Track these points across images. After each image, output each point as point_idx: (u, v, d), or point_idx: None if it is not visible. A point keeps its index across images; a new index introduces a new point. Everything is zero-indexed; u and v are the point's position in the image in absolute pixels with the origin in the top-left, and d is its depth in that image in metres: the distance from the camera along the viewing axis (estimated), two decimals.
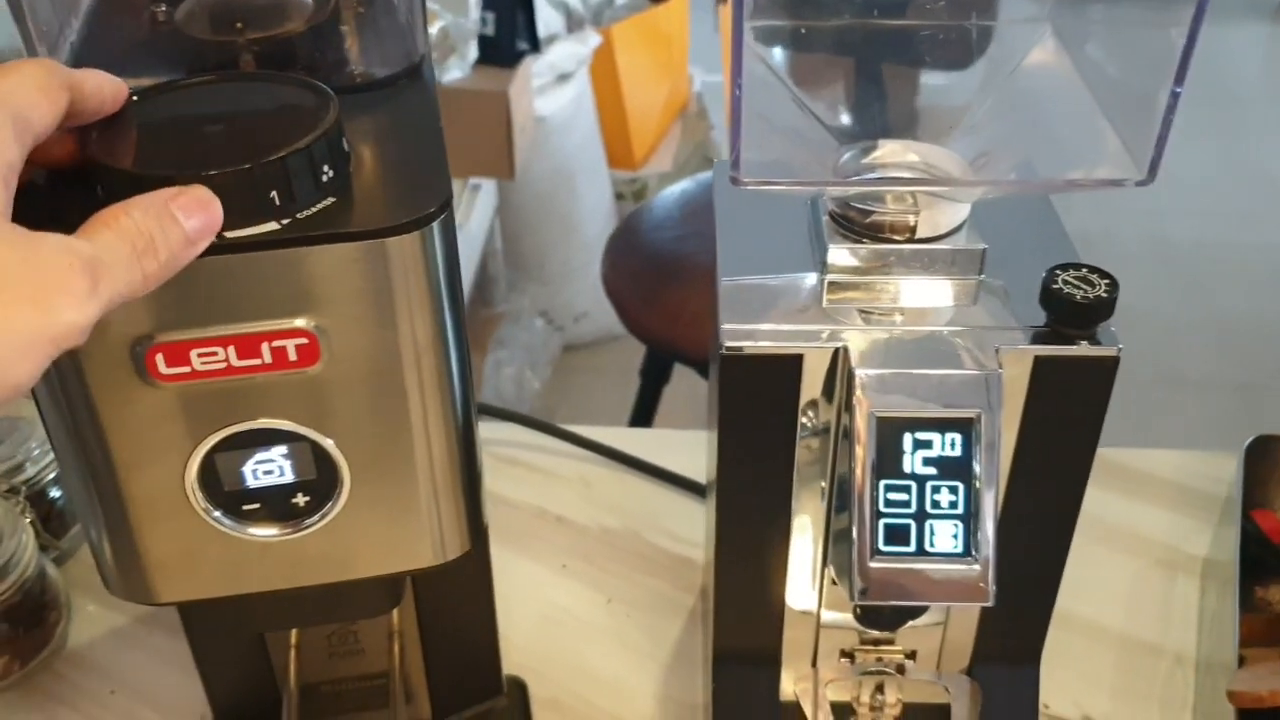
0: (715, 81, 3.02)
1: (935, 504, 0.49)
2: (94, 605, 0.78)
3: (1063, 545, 0.56)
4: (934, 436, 0.49)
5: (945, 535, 0.49)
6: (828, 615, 0.59)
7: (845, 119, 0.57)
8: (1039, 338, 0.50)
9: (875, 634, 0.60)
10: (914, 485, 0.49)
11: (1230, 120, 3.43)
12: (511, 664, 0.75)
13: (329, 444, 0.46)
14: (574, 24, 2.39)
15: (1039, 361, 0.50)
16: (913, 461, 0.49)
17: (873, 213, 0.52)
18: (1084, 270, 0.50)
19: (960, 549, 0.49)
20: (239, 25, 0.51)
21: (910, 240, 0.52)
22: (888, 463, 0.49)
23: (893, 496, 0.49)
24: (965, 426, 0.48)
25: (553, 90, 2.28)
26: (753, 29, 0.55)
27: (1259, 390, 2.36)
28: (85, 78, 0.42)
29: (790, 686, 0.62)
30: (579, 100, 2.34)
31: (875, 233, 0.53)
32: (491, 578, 0.64)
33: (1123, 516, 0.85)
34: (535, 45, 2.12)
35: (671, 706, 0.73)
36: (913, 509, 0.49)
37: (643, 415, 1.65)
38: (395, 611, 0.64)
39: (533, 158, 2.21)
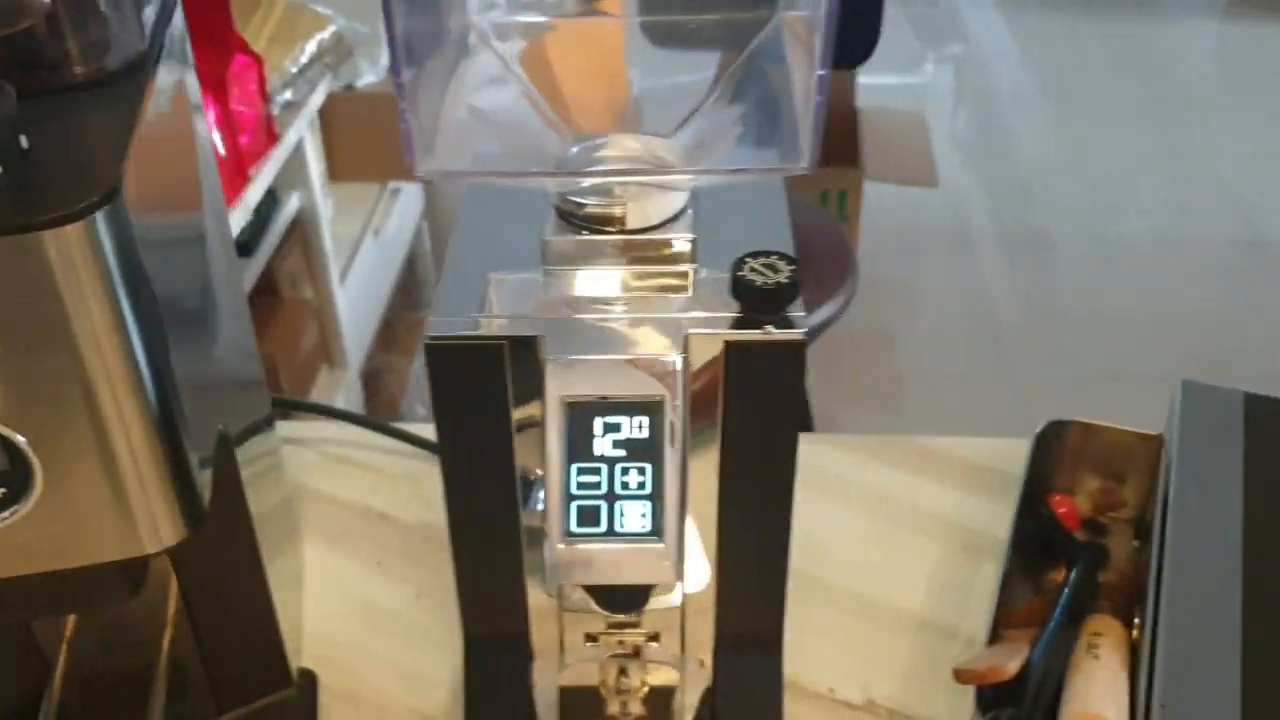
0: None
1: (625, 485, 0.50)
2: None
3: (782, 528, 0.58)
4: (622, 420, 0.50)
5: (634, 516, 0.50)
6: (568, 599, 0.60)
7: (577, 113, 0.58)
8: (731, 323, 0.51)
9: (620, 618, 0.61)
10: (604, 468, 0.50)
11: (1178, 118, 3.46)
12: (312, 657, 0.76)
13: (19, 440, 0.47)
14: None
15: (729, 346, 0.51)
16: (603, 444, 0.50)
17: (585, 205, 0.54)
18: (772, 257, 0.52)
19: (649, 529, 0.50)
20: None
21: (621, 231, 0.54)
22: (578, 446, 0.50)
23: (584, 479, 0.50)
24: (651, 409, 0.50)
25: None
26: (490, 24, 0.57)
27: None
28: None
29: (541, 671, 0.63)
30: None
31: (591, 224, 0.54)
32: (262, 569, 0.65)
33: (932, 503, 0.87)
34: None
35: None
36: (603, 490, 0.50)
37: None
38: (172, 604, 0.66)
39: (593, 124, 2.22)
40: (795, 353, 0.51)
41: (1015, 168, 3.27)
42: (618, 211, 0.53)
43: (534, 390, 0.52)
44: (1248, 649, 0.64)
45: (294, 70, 1.60)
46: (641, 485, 0.50)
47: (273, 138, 1.51)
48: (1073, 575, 0.71)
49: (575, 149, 0.56)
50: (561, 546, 0.50)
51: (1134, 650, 0.68)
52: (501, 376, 0.52)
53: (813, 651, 0.76)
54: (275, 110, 1.52)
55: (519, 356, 0.51)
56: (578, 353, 0.50)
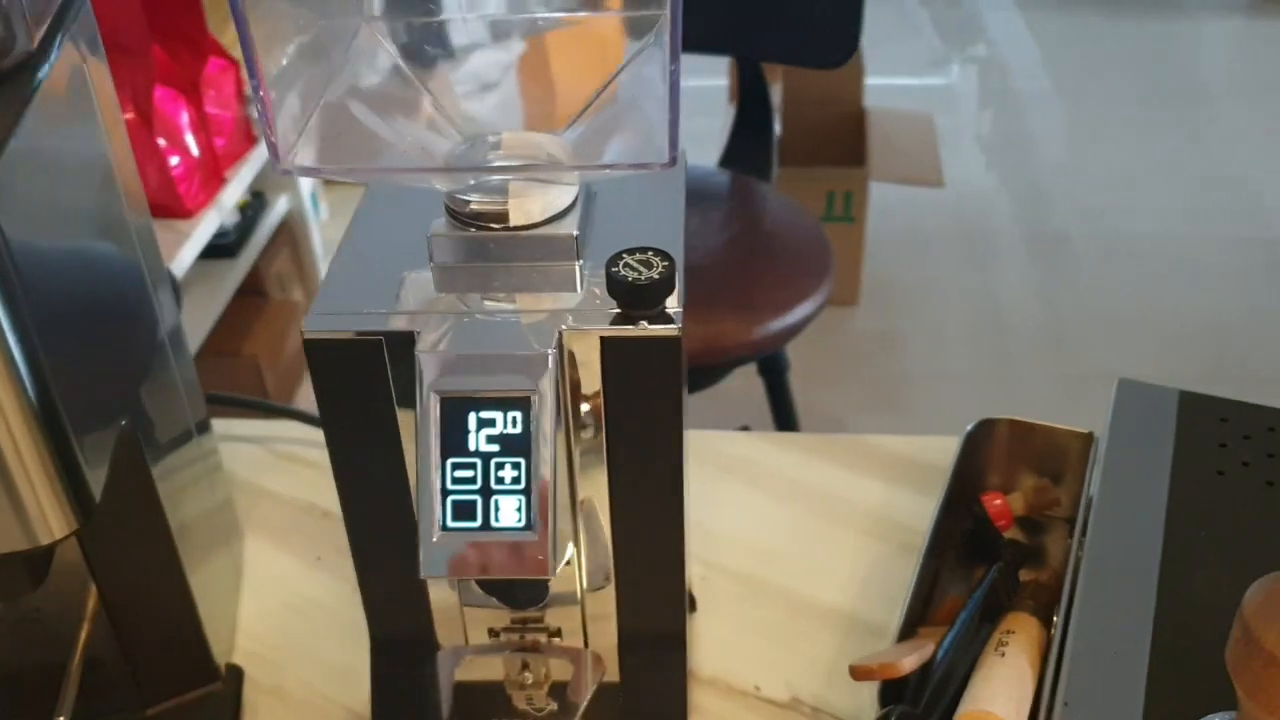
0: None
1: (500, 480, 0.51)
2: None
3: (674, 522, 0.58)
4: (496, 415, 0.50)
5: (509, 510, 0.51)
6: (468, 595, 0.61)
7: (471, 112, 0.59)
8: (609, 319, 0.52)
9: (523, 613, 0.62)
10: (479, 462, 0.51)
11: (1198, 117, 3.43)
12: (244, 653, 0.77)
13: None
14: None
15: (605, 342, 0.52)
16: (477, 439, 0.51)
17: (471, 202, 0.54)
18: (648, 254, 0.52)
19: (522, 523, 0.51)
20: None
21: (506, 228, 0.54)
22: (453, 441, 0.51)
23: (459, 474, 0.51)
24: (523, 405, 0.50)
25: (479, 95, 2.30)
26: (382, 24, 0.58)
27: (1207, 386, 2.36)
28: None
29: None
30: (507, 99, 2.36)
31: (476, 221, 0.55)
32: (180, 566, 0.66)
33: (873, 500, 0.87)
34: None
35: None
36: (478, 485, 0.51)
37: None
38: (91, 600, 0.67)
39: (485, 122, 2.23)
40: (670, 348, 0.52)
41: (1033, 169, 3.25)
42: (501, 208, 0.54)
43: (413, 386, 0.52)
44: (1156, 649, 0.63)
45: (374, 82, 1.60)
46: (516, 480, 0.50)
47: (251, 140, 1.52)
48: (990, 573, 0.71)
49: (464, 146, 0.57)
50: (436, 540, 0.51)
51: (1048, 648, 0.68)
52: (382, 372, 0.53)
53: (742, 649, 0.76)
54: (255, 113, 1.54)
55: (398, 352, 0.52)
56: (454, 349, 0.51)
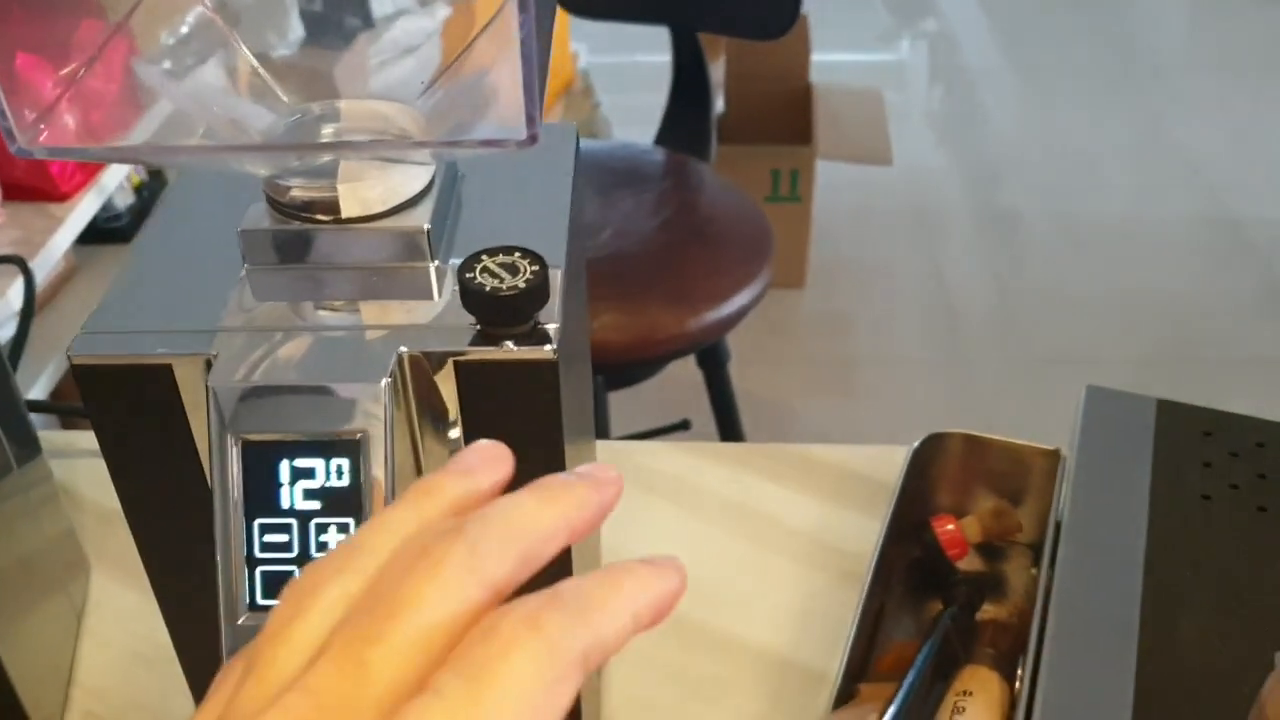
0: (601, 62, 2.93)
1: (323, 545, 0.40)
2: None
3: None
4: (316, 463, 0.39)
5: None
6: None
7: (301, 75, 0.47)
8: (467, 338, 0.41)
9: None
10: (295, 523, 0.40)
11: (1150, 94, 3.36)
12: (80, 712, 0.66)
13: None
14: None
15: (459, 368, 0.41)
16: (292, 494, 0.40)
17: (290, 188, 0.43)
18: (514, 255, 0.41)
19: None
20: None
21: (337, 220, 0.43)
22: (261, 497, 0.39)
23: (270, 538, 0.40)
24: (349, 449, 0.39)
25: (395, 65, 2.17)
26: None
27: (1164, 367, 2.28)
28: (605, 622, 0.26)
29: None
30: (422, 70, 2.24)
31: (300, 212, 0.44)
32: None
33: (807, 521, 0.76)
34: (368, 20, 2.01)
35: None
36: (295, 552, 0.40)
37: None
38: None
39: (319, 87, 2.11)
40: (544, 374, 0.41)
41: (984, 146, 3.16)
42: (330, 194, 0.43)
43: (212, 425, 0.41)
44: (1141, 703, 0.54)
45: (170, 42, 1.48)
46: None
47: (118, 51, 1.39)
48: (942, 619, 0.61)
49: (295, 117, 0.45)
50: (242, 621, 0.40)
51: (1013, 708, 0.58)
52: (176, 406, 0.42)
53: (655, 699, 0.66)
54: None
55: (192, 382, 0.41)
56: (262, 377, 0.40)
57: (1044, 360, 2.35)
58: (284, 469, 0.39)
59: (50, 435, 0.83)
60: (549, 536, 0.27)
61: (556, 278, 0.42)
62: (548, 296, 0.41)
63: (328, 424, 0.39)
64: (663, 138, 1.57)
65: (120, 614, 0.72)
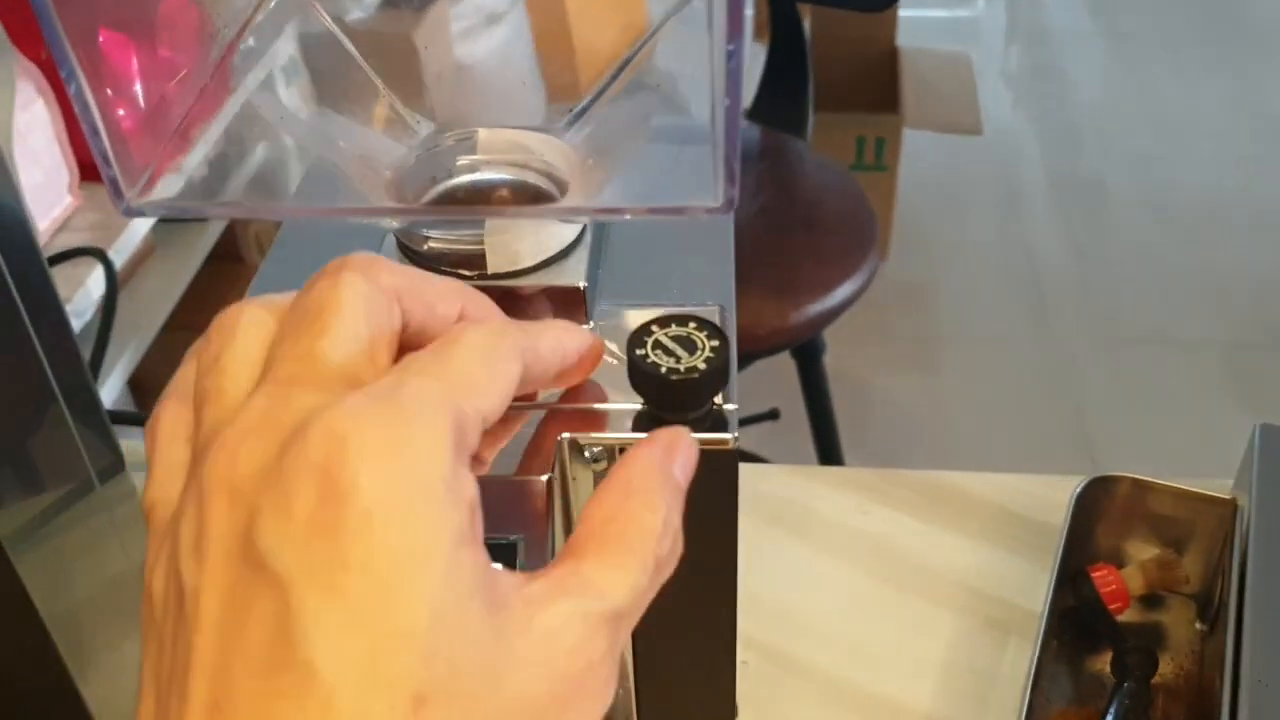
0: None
1: None
2: None
3: (725, 672, 0.42)
4: None
5: None
6: None
7: (432, 104, 0.42)
8: (631, 423, 0.35)
9: None
10: None
11: (1245, 59, 3.22)
12: None
13: None
14: None
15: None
16: None
17: (429, 239, 0.38)
18: (688, 326, 0.35)
19: None
20: None
21: (482, 276, 0.38)
22: None
23: None
24: (506, 555, 0.34)
25: (480, 34, 2.12)
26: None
27: (1257, 352, 2.19)
28: (540, 336, 0.30)
29: None
30: (512, 44, 2.18)
31: (438, 265, 0.38)
32: (61, 664, 0.51)
33: (948, 560, 0.71)
34: None
35: None
36: None
37: None
38: None
39: (454, 111, 2.06)
40: (724, 463, 0.35)
41: (1068, 111, 3.05)
42: (475, 247, 0.37)
43: None
44: None
45: (249, 11, 1.43)
46: None
47: (224, 90, 1.35)
48: (1119, 695, 0.55)
49: (420, 150, 0.40)
50: None
51: None
52: None
53: None
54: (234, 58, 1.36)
55: None
56: None
57: (1133, 340, 2.26)
58: None
59: (135, 446, 0.79)
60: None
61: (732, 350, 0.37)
62: (727, 377, 0.35)
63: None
64: (756, 112, 1.50)
65: None
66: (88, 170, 1.15)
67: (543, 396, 0.36)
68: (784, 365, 1.55)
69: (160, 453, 0.27)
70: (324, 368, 0.25)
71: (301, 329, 0.26)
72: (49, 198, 1.09)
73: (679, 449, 0.29)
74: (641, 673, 0.43)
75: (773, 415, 1.46)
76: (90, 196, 1.15)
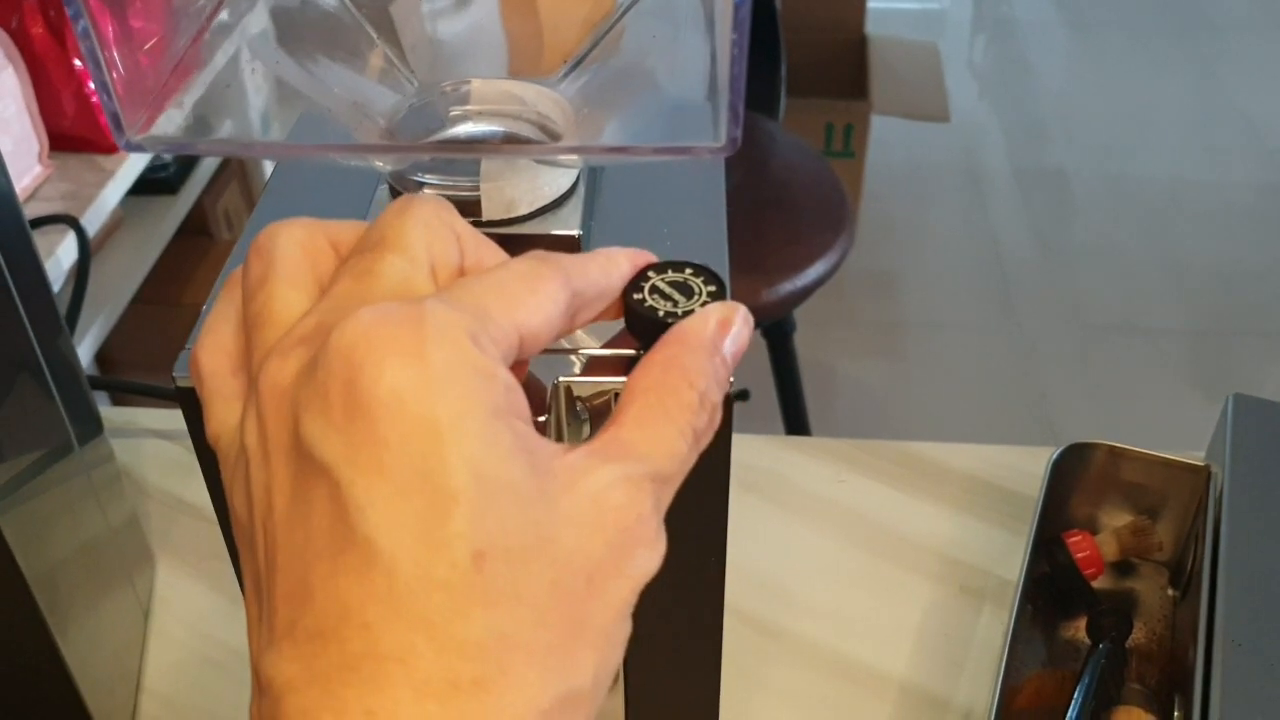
0: None
1: None
2: None
3: (713, 623, 0.42)
4: None
5: None
6: None
7: (427, 49, 0.42)
8: (624, 367, 0.36)
9: None
10: None
11: (1206, 51, 3.25)
12: (148, 717, 0.61)
13: None
14: None
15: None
16: None
17: (422, 184, 0.38)
18: (685, 272, 0.35)
19: None
20: None
21: (476, 223, 0.38)
22: None
23: None
24: None
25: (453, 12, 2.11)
26: None
27: (1218, 339, 2.21)
28: (590, 260, 0.31)
29: None
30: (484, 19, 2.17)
31: None
32: (44, 623, 0.51)
33: (926, 528, 0.71)
34: None
35: None
36: None
37: None
38: None
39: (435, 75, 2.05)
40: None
41: (1032, 101, 3.07)
42: (469, 194, 0.37)
43: None
44: None
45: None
46: None
47: (223, 30, 1.33)
48: (1095, 659, 0.56)
49: (415, 100, 0.40)
50: None
51: None
52: None
53: None
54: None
55: None
56: None
57: (1096, 326, 2.28)
58: None
59: (111, 413, 0.78)
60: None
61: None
62: None
63: None
64: None
65: (188, 613, 0.67)
66: (57, 140, 1.13)
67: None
68: (752, 348, 1.55)
69: (212, 387, 0.28)
70: (381, 284, 0.26)
71: (364, 249, 0.27)
72: (18, 166, 1.07)
73: (732, 324, 0.30)
74: (631, 667, 0.43)
75: (743, 396, 1.46)
76: (60, 166, 1.14)
